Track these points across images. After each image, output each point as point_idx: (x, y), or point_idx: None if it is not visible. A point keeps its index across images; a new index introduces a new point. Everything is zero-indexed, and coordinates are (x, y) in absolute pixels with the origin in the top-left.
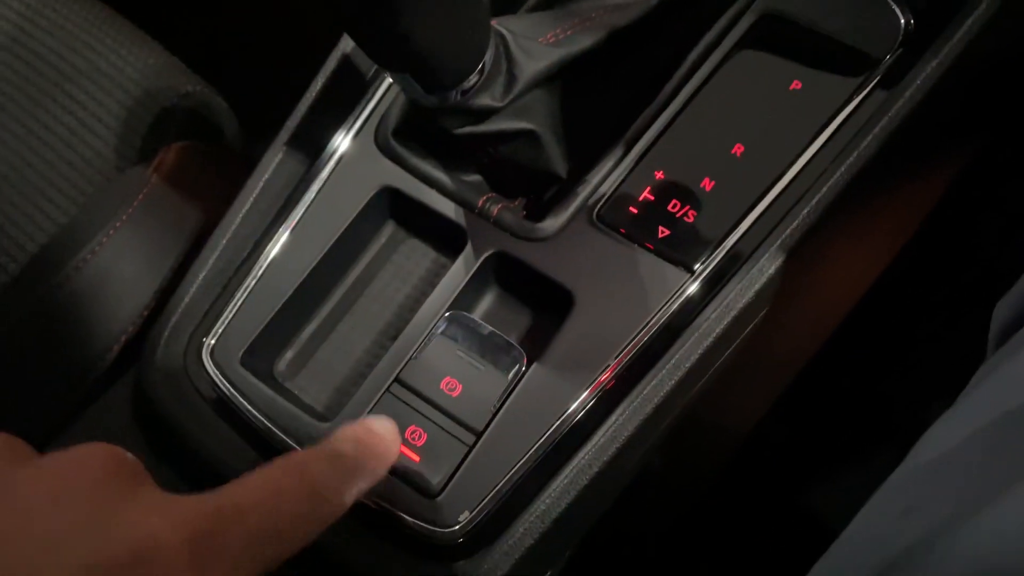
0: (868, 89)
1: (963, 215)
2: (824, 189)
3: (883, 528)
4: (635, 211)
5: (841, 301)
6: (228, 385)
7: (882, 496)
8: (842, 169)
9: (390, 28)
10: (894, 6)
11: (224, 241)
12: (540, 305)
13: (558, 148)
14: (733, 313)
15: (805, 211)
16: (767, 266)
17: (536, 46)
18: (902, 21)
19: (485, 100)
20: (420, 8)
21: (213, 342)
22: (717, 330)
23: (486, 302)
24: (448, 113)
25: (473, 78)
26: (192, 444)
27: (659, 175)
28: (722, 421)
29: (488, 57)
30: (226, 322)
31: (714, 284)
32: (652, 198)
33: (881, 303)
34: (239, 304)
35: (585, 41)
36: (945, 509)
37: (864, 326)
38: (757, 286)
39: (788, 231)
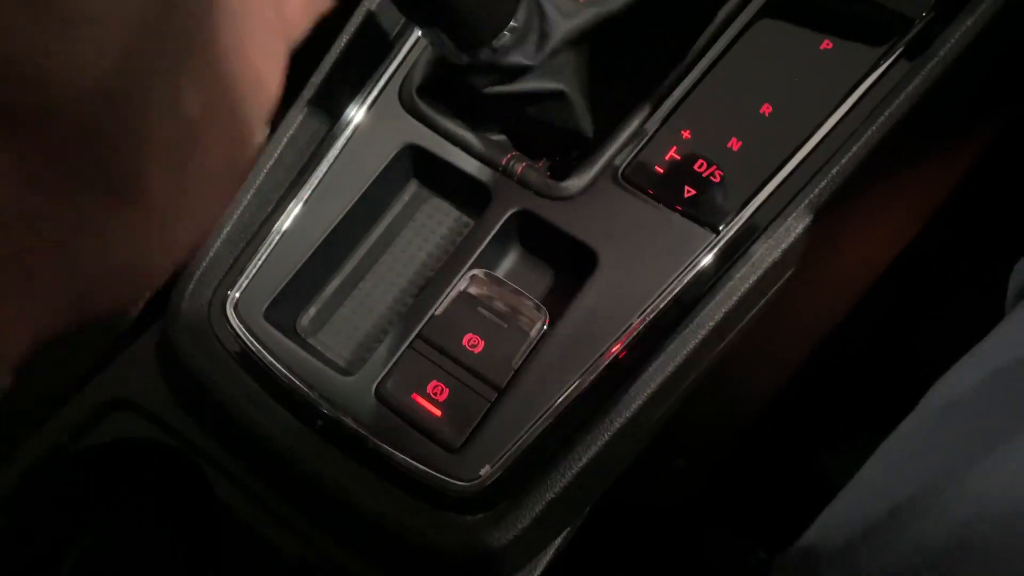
0: (901, 50)
1: (994, 183)
2: (854, 149)
3: (892, 474)
4: (661, 171)
5: (869, 266)
6: (252, 338)
7: (892, 443)
8: (872, 129)
9: None
10: None
11: (249, 196)
12: (563, 264)
13: (586, 108)
14: (758, 273)
15: (834, 171)
16: (794, 226)
17: (569, 4)
18: None
19: (517, 58)
20: None
21: (237, 296)
22: (742, 290)
23: (509, 260)
24: (479, 71)
25: (505, 35)
26: (216, 396)
27: (686, 135)
28: (746, 383)
29: (521, 13)
30: (250, 276)
31: (740, 244)
32: (679, 158)
33: (909, 271)
34: (263, 259)
35: (618, 1)
36: (953, 455)
37: (892, 293)
38: (784, 246)
39: (816, 191)
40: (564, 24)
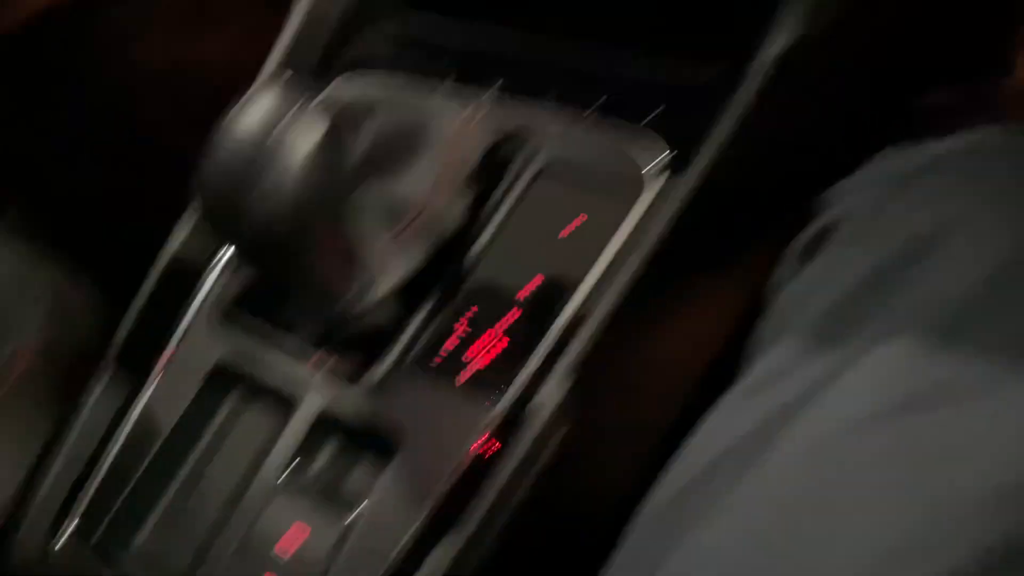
0: (642, 212)
1: None
2: (601, 308)
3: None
4: (445, 354)
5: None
6: None
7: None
8: (613, 288)
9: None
10: (656, 136)
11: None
12: (373, 448)
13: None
14: (535, 432)
15: (587, 334)
16: (562, 386)
17: (392, 252)
18: (666, 150)
19: (365, 304)
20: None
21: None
22: (522, 452)
23: (326, 451)
24: (335, 322)
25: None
26: None
27: (470, 313)
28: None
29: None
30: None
31: (517, 410)
32: (463, 336)
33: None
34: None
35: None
36: None
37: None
38: (552, 405)
39: (576, 352)
40: (385, 281)
